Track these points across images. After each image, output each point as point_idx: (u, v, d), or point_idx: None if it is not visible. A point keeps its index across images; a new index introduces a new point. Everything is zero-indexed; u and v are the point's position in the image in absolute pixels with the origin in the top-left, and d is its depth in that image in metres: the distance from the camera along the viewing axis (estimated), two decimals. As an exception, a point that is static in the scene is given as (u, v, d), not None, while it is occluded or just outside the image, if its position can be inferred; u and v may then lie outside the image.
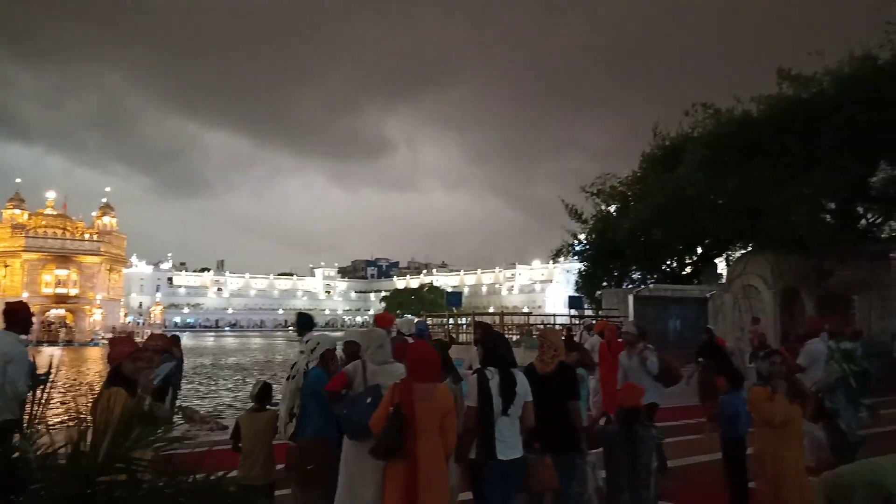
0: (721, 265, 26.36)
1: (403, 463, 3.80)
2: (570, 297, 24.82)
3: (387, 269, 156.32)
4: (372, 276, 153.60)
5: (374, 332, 4.79)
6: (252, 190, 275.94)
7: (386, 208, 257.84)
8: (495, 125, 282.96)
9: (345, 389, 4.48)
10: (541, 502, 4.65)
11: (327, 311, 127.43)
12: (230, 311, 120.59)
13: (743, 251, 23.27)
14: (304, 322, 6.72)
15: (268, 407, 5.52)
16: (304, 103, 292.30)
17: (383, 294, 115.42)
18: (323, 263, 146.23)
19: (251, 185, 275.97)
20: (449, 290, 72.25)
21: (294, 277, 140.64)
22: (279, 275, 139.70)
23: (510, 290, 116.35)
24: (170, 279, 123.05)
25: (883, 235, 24.56)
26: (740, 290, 19.93)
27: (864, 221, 24.97)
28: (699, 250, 26.33)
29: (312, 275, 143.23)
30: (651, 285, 23.23)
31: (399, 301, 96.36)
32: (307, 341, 5.69)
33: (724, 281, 21.72)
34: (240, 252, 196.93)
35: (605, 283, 25.88)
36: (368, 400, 4.14)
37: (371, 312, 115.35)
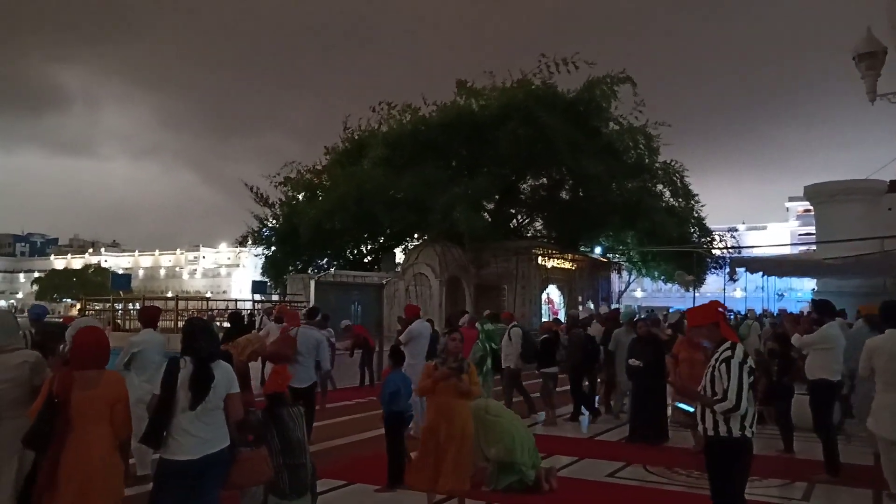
0: (400, 255, 28.36)
1: (55, 454, 3.64)
2: (254, 282, 24.49)
3: (42, 247, 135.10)
4: (22, 253, 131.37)
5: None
6: None
7: (52, 175, 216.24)
8: (196, 90, 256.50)
9: None
10: (264, 497, 4.45)
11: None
12: None
13: (417, 242, 25.37)
14: None
15: None
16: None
17: (36, 275, 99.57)
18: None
19: None
20: (120, 272, 65.55)
21: None
22: None
23: (193, 273, 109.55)
24: None
25: (528, 234, 28.99)
26: (412, 277, 21.76)
27: (514, 221, 29.17)
28: (381, 240, 27.99)
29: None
30: (333, 271, 24.04)
31: (56, 283, 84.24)
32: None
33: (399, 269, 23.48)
34: None
35: (290, 269, 26.00)
36: None
37: (19, 296, 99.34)
